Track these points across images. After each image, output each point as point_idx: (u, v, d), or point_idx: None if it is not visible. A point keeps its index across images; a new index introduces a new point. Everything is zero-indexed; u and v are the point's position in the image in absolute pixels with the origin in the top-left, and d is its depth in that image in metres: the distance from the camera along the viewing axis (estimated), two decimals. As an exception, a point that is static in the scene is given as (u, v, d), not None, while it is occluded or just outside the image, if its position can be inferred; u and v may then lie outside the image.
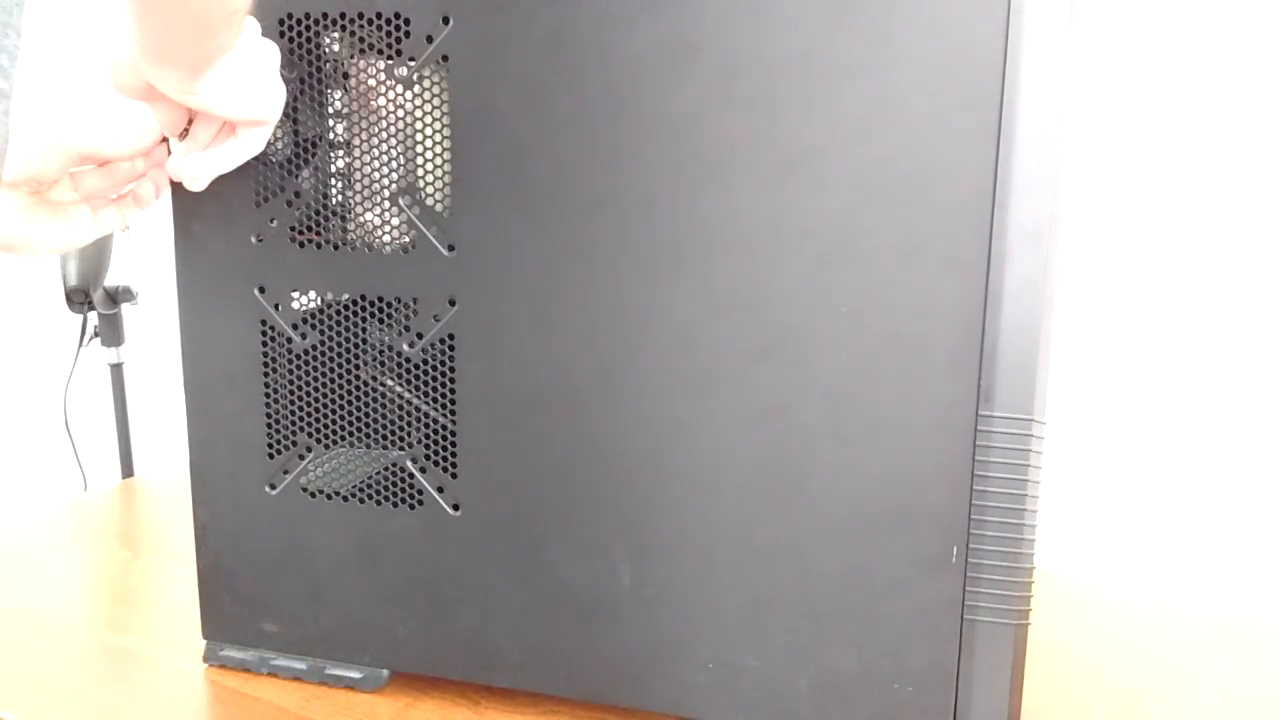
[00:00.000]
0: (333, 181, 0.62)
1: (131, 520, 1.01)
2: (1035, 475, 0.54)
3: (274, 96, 0.57)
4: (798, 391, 0.55)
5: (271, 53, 0.57)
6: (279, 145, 0.61)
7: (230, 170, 0.59)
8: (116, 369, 1.11)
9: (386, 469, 0.64)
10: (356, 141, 0.60)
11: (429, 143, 0.59)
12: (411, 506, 0.63)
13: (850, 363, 0.54)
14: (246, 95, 0.56)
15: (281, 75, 0.58)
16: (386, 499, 0.63)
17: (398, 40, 0.58)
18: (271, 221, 0.62)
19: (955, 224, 0.52)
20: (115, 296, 1.05)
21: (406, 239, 0.61)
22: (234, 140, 0.58)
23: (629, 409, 0.58)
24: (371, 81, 0.59)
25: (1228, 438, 0.92)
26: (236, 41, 0.53)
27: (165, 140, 0.60)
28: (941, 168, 0.52)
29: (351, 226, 0.62)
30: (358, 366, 0.63)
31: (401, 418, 0.63)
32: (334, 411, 0.64)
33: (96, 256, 1.01)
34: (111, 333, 1.08)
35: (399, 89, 0.59)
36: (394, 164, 0.60)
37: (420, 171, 0.59)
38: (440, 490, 0.62)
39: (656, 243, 0.56)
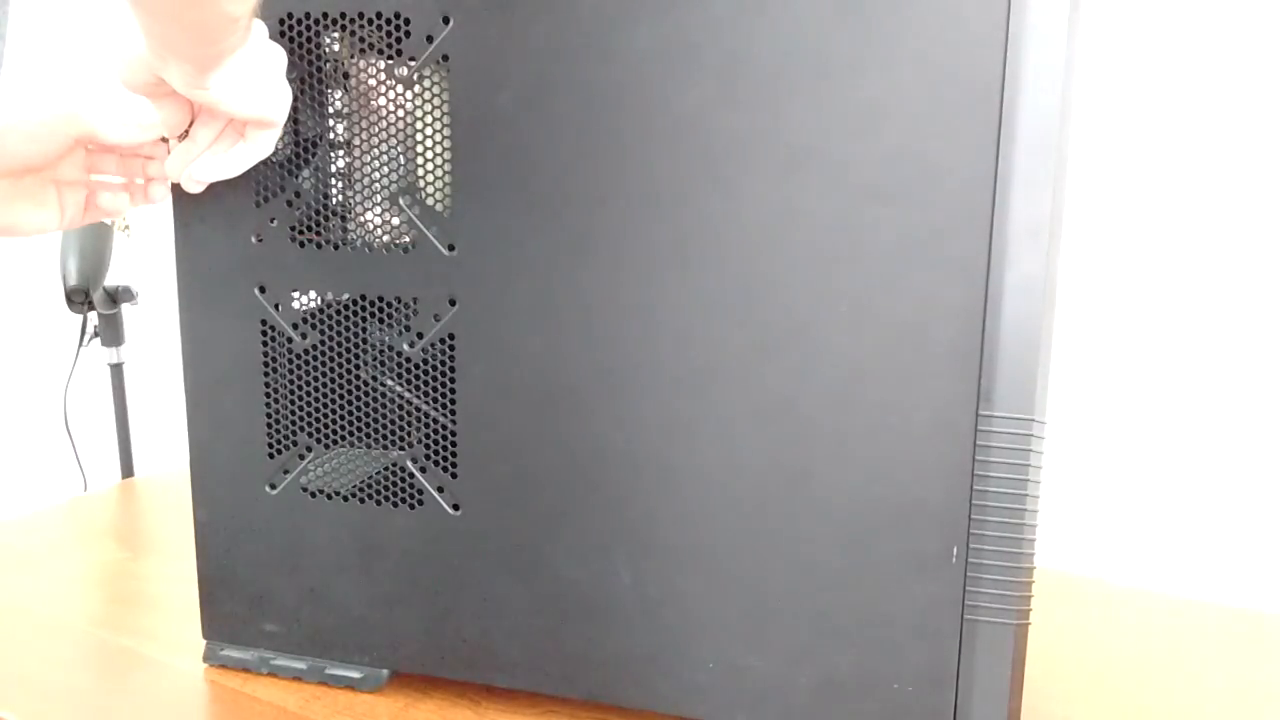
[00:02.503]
0: (333, 181, 0.62)
1: (131, 520, 1.01)
2: (1035, 475, 0.54)
3: (282, 98, 0.57)
4: (798, 391, 0.55)
5: (279, 55, 0.57)
6: (279, 145, 0.61)
7: (236, 175, 0.59)
8: (116, 369, 1.11)
9: (386, 469, 0.64)
10: (357, 141, 0.60)
11: (429, 143, 0.59)
12: (411, 506, 0.63)
13: (851, 362, 0.54)
14: (257, 94, 0.56)
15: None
16: (386, 499, 0.63)
17: (398, 40, 0.58)
18: (272, 221, 0.62)
19: (956, 223, 0.52)
20: (115, 296, 1.05)
21: (406, 239, 0.61)
22: (243, 143, 0.58)
23: (629, 408, 0.58)
24: (372, 81, 0.59)
25: (1228, 437, 0.92)
26: (244, 43, 0.53)
27: (166, 140, 0.60)
28: (942, 167, 0.52)
29: (352, 226, 0.62)
30: (358, 366, 0.63)
31: (401, 418, 0.63)
32: (334, 411, 0.64)
33: (96, 256, 1.01)
34: (111, 333, 1.08)
35: (399, 89, 0.59)
36: (394, 164, 0.60)
37: (420, 171, 0.59)
38: (440, 490, 0.62)
39: (657, 242, 0.56)
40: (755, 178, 0.54)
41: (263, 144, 0.58)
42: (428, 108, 0.59)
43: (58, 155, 0.58)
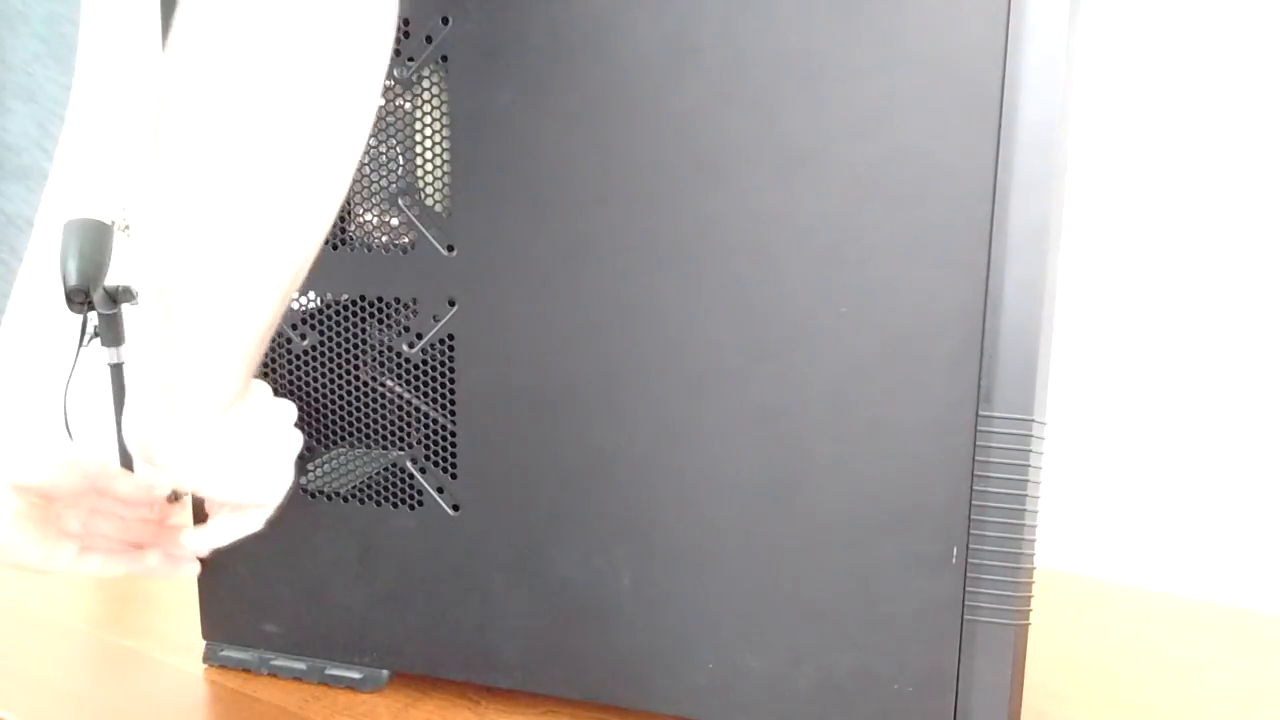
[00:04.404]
0: (332, 181, 0.62)
1: (131, 520, 1.00)
2: (1035, 475, 0.54)
3: (275, 474, 0.53)
4: (798, 391, 0.55)
5: (283, 415, 0.53)
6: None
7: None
8: (116, 369, 1.10)
9: (386, 469, 0.64)
10: (356, 141, 0.60)
11: (429, 143, 0.59)
12: (411, 507, 0.63)
13: (850, 363, 0.54)
14: (235, 470, 0.50)
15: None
16: (386, 499, 0.63)
17: (397, 40, 0.58)
18: (271, 221, 0.62)
19: (956, 224, 0.52)
20: (115, 296, 1.05)
21: (406, 239, 0.61)
22: (233, 514, 0.54)
23: (629, 409, 0.58)
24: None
25: (1228, 437, 0.92)
26: (242, 396, 0.48)
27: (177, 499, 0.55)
28: (942, 168, 0.51)
29: (351, 226, 0.62)
30: (357, 367, 0.63)
31: (401, 418, 0.63)
32: (334, 412, 0.63)
33: (96, 257, 1.01)
34: (111, 333, 1.08)
35: (398, 89, 0.59)
36: (394, 164, 0.60)
37: (420, 171, 0.59)
38: (440, 490, 0.62)
39: (656, 243, 0.56)
40: (755, 178, 0.54)
41: (253, 519, 0.55)
42: (427, 108, 0.59)
43: (69, 494, 0.53)
